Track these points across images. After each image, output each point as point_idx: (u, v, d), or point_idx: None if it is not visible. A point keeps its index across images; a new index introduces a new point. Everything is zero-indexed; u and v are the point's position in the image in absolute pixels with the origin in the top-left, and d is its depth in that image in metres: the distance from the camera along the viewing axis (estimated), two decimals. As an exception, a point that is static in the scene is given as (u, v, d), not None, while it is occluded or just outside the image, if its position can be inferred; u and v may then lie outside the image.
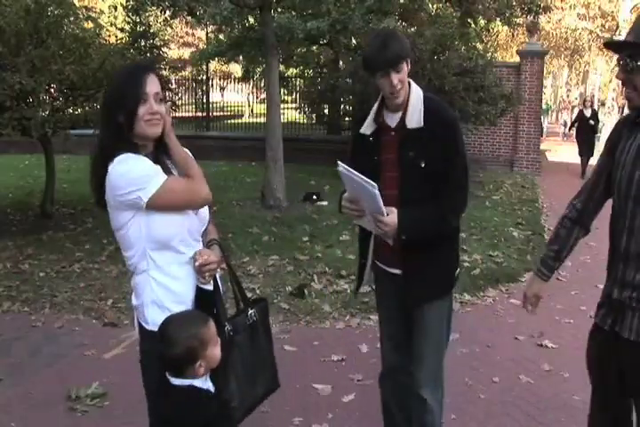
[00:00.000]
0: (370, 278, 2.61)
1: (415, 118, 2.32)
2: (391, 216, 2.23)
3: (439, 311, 2.46)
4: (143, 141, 2.01)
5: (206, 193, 2.02)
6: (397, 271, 2.43)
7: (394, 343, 2.58)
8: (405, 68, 2.28)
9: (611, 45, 2.01)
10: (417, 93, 2.36)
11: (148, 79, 1.97)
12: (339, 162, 2.23)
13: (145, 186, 1.89)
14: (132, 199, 1.90)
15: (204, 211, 2.12)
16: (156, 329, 1.99)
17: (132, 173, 1.91)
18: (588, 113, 13.45)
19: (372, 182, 2.13)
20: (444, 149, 2.32)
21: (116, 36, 9.38)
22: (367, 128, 2.44)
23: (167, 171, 2.05)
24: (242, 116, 20.98)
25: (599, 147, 11.84)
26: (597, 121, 13.94)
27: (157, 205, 1.91)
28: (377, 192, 2.14)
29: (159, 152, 2.05)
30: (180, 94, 16.09)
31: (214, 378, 1.96)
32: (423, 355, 2.45)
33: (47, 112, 6.76)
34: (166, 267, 1.99)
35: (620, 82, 1.97)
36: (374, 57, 2.27)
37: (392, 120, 2.39)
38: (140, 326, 2.08)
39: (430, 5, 12.15)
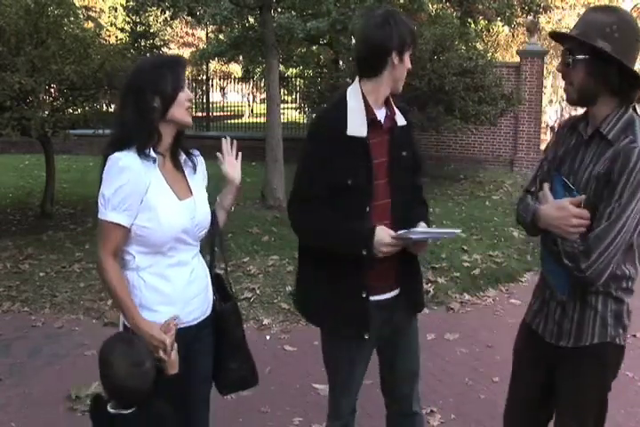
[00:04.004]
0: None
1: (399, 115, 2.17)
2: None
3: (417, 326, 2.38)
4: (169, 132, 1.98)
5: (100, 262, 1.95)
6: (393, 294, 2.19)
7: (354, 387, 2.32)
8: None
9: (555, 36, 1.95)
10: None
11: (183, 69, 1.99)
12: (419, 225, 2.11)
13: (99, 205, 1.93)
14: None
15: (205, 216, 2.07)
16: None
17: (102, 187, 1.91)
18: None
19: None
20: (416, 148, 2.27)
21: (117, 37, 9.39)
22: (359, 129, 2.05)
23: (179, 167, 2.04)
24: (242, 116, 21.00)
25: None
26: None
27: None
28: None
29: (176, 148, 2.04)
30: (180, 94, 16.06)
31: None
32: (411, 375, 2.36)
33: (47, 112, 6.76)
34: (156, 268, 1.96)
35: (561, 75, 1.92)
36: (404, 32, 2.04)
37: (382, 118, 2.14)
38: (125, 327, 2.03)
39: (430, 5, 12.12)
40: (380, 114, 2.12)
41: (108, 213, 1.90)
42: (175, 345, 1.91)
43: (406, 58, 2.07)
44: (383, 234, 1.98)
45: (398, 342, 2.30)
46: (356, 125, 2.05)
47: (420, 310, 2.36)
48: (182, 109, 1.96)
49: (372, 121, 2.08)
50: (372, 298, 2.12)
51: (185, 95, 1.96)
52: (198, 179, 2.12)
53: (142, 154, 1.90)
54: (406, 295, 2.23)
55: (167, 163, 2.01)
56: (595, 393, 1.94)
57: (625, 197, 1.70)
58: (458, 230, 2.20)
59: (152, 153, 1.92)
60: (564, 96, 2.00)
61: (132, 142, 1.90)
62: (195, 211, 2.02)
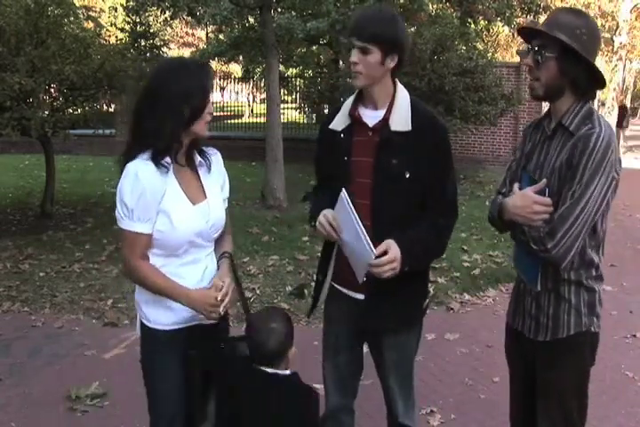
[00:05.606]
0: (324, 298, 2.35)
1: (401, 120, 2.02)
2: (394, 251, 1.91)
3: (407, 343, 2.25)
4: (186, 142, 1.97)
5: (134, 268, 1.96)
6: (360, 296, 2.14)
7: (338, 376, 2.35)
8: (377, 55, 1.95)
9: (524, 32, 1.97)
10: (403, 93, 2.07)
11: (211, 79, 1.97)
12: (343, 189, 1.92)
13: (120, 215, 1.92)
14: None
15: (219, 218, 2.07)
16: (158, 327, 2.01)
17: (122, 197, 1.90)
18: None
19: (364, 232, 1.86)
20: (432, 161, 2.01)
21: (117, 37, 9.39)
22: (338, 123, 2.13)
23: (194, 170, 2.04)
24: (242, 116, 21.01)
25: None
26: None
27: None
28: (367, 247, 1.87)
29: (191, 151, 2.04)
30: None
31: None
32: (396, 389, 2.27)
33: (47, 112, 6.77)
34: (169, 267, 1.99)
35: (527, 69, 1.98)
36: (351, 23, 2.04)
37: (370, 118, 2.07)
38: (142, 323, 2.06)
39: (430, 5, 12.14)
40: (371, 114, 2.08)
41: (132, 224, 1.90)
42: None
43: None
44: (327, 211, 2.03)
45: (383, 347, 2.23)
46: (337, 120, 2.15)
47: (374, 331, 2.19)
48: (203, 123, 1.94)
49: (353, 118, 2.10)
50: (338, 287, 2.25)
51: (209, 109, 1.93)
52: (213, 179, 2.10)
53: (157, 161, 1.89)
54: (369, 307, 2.11)
55: (182, 167, 2.00)
56: (574, 381, 2.00)
57: (586, 177, 1.77)
58: (373, 254, 1.87)
59: (167, 160, 1.92)
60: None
61: (149, 150, 1.90)
62: (209, 214, 2.02)
